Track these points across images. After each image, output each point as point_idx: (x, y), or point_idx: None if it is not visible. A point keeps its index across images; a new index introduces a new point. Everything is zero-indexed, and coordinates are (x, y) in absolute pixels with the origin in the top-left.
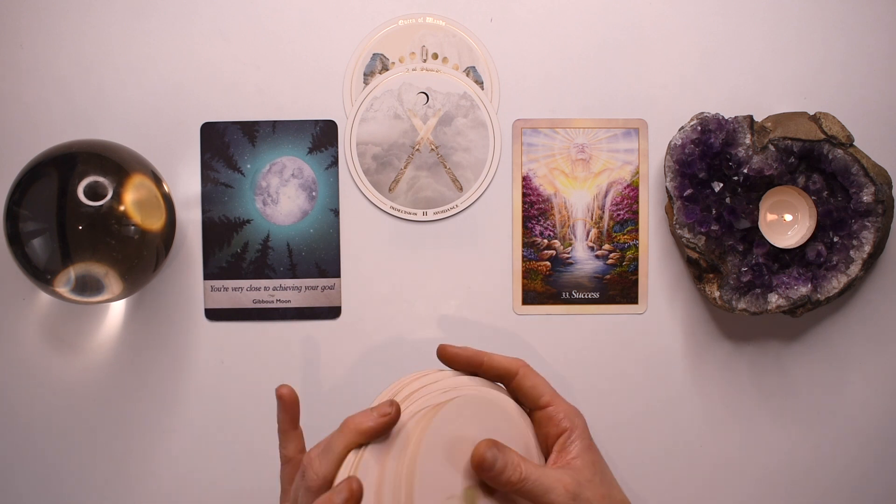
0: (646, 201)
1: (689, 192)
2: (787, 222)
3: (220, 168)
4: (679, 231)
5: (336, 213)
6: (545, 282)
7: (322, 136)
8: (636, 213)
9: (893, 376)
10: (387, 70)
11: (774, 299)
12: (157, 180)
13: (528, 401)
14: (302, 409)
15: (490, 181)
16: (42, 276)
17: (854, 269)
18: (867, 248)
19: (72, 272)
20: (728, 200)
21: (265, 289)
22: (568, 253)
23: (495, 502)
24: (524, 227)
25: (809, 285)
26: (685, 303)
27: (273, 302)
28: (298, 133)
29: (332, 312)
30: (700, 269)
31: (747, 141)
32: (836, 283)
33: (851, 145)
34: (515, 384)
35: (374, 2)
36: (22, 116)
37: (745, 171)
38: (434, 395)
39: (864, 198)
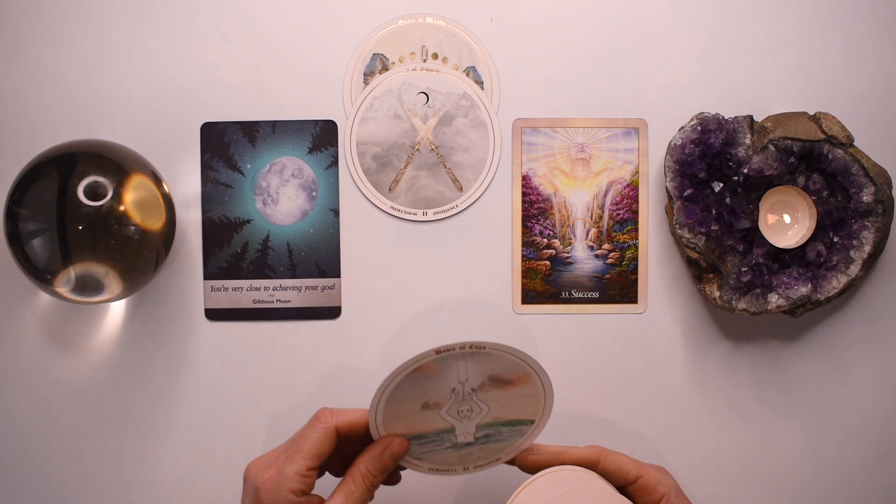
0: (646, 201)
1: (689, 192)
2: (787, 222)
3: (220, 168)
4: (679, 231)
5: (336, 213)
6: (545, 281)
7: (322, 136)
8: (636, 212)
9: (893, 376)
10: (387, 70)
11: (774, 299)
12: (157, 180)
13: (618, 479)
14: (301, 409)
15: (490, 181)
16: (42, 276)
17: (854, 269)
18: (867, 248)
19: (72, 272)
20: (728, 200)
21: (265, 289)
22: (567, 252)
23: None
24: (524, 226)
25: (809, 285)
26: (685, 303)
27: (273, 302)
28: (298, 133)
29: (332, 312)
30: (700, 269)
31: (747, 141)
32: (836, 283)
33: (851, 145)
34: (601, 469)
35: (374, 2)
36: (22, 116)
37: (745, 171)
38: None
39: (864, 198)
